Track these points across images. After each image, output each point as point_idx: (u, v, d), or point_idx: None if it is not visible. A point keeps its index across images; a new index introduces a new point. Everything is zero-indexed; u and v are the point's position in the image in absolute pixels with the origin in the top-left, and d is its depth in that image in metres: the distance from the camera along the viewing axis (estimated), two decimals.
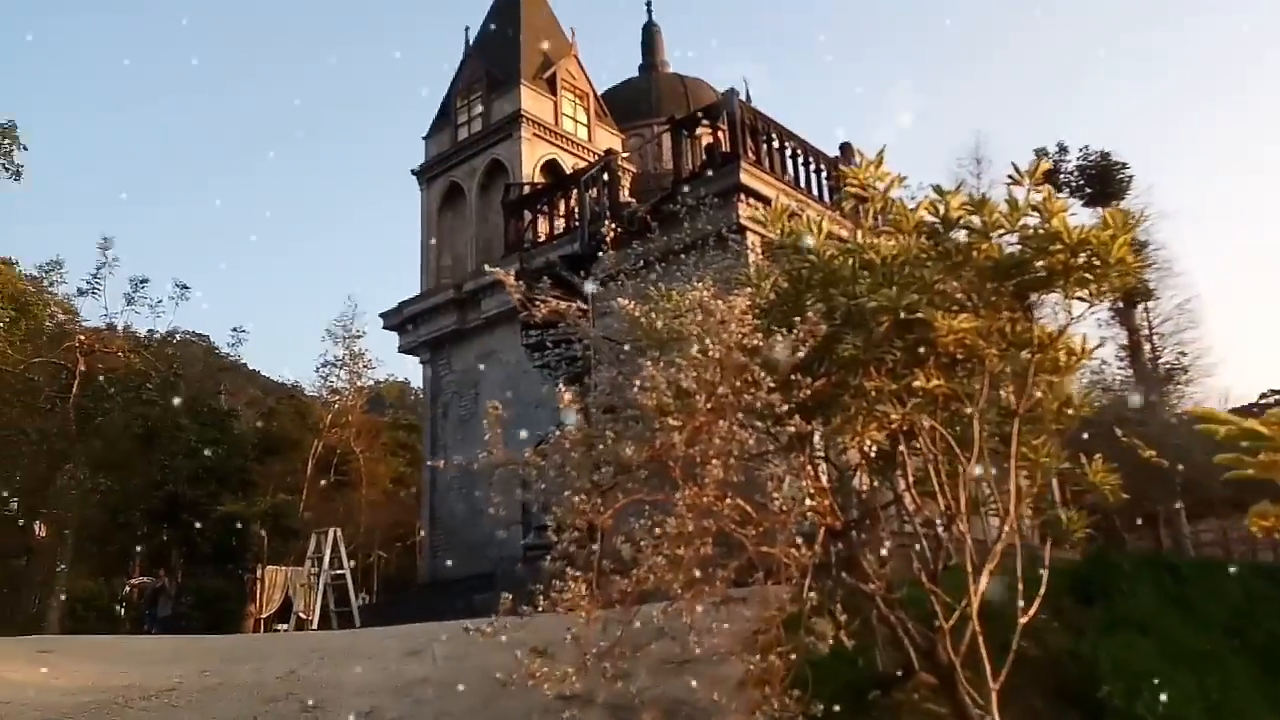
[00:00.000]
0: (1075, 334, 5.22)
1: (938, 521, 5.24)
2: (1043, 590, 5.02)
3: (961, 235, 5.03)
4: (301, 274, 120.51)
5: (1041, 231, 4.66)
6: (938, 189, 5.17)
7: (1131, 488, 6.04)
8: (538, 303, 6.34)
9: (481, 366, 21.66)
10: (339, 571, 20.86)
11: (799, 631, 4.75)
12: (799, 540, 4.70)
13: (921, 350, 4.73)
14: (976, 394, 5.02)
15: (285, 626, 22.51)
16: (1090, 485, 5.69)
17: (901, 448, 5.12)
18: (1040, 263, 4.76)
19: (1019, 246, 4.80)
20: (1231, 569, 10.21)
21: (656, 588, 4.52)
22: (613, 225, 17.01)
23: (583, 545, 4.46)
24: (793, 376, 4.41)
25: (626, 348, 5.70)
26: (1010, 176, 4.93)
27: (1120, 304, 26.87)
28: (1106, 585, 9.39)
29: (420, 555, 22.86)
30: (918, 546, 5.54)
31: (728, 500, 4.26)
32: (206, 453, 27.77)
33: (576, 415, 5.25)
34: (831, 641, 4.57)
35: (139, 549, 29.71)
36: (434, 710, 6.99)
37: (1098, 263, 4.57)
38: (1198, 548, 29.54)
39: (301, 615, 21.75)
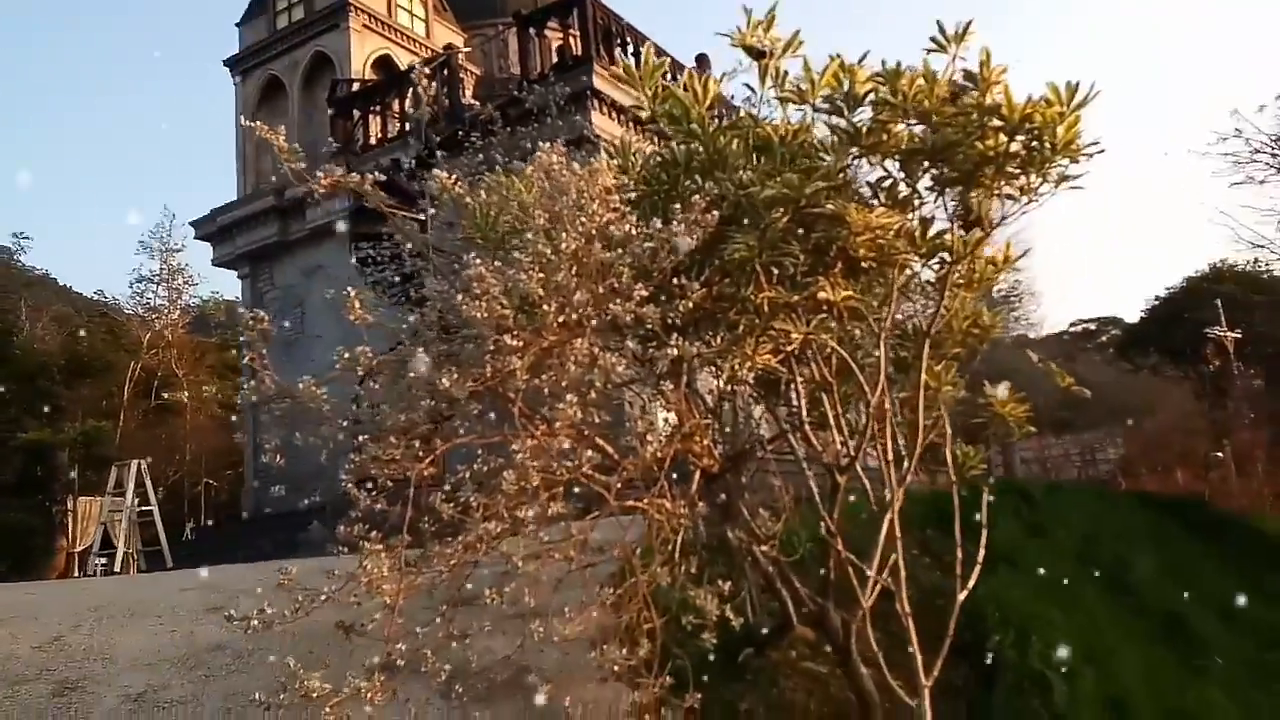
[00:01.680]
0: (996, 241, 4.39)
1: (832, 459, 4.40)
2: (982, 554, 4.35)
3: (869, 114, 4.10)
4: (121, 178, 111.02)
5: (972, 105, 3.76)
6: (838, 60, 4.20)
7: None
8: (365, 204, 5.23)
9: (308, 282, 19.79)
10: (147, 507, 18.99)
11: (668, 599, 3.86)
12: (670, 489, 3.77)
13: (830, 254, 3.80)
14: (881, 308, 4.16)
15: (101, 561, 20.62)
16: (995, 416, 4.99)
17: (795, 373, 4.20)
18: (967, 148, 3.87)
19: (945, 127, 3.88)
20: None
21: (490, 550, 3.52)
22: (453, 127, 15.53)
23: (393, 502, 3.39)
24: (675, 281, 3.41)
25: (461, 254, 4.60)
26: (933, 39, 4.01)
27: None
28: (970, 514, 9.03)
29: (245, 487, 21.07)
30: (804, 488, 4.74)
31: (587, 449, 3.24)
32: None
33: (404, 338, 4.19)
34: (715, 618, 3.67)
35: None
36: (225, 688, 5.79)
37: (1038, 147, 3.72)
38: (1021, 465, 30.91)
39: (117, 547, 19.85)
